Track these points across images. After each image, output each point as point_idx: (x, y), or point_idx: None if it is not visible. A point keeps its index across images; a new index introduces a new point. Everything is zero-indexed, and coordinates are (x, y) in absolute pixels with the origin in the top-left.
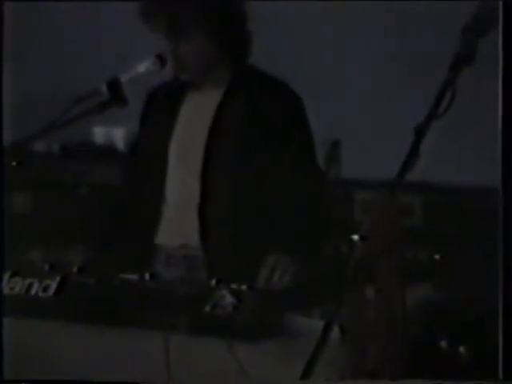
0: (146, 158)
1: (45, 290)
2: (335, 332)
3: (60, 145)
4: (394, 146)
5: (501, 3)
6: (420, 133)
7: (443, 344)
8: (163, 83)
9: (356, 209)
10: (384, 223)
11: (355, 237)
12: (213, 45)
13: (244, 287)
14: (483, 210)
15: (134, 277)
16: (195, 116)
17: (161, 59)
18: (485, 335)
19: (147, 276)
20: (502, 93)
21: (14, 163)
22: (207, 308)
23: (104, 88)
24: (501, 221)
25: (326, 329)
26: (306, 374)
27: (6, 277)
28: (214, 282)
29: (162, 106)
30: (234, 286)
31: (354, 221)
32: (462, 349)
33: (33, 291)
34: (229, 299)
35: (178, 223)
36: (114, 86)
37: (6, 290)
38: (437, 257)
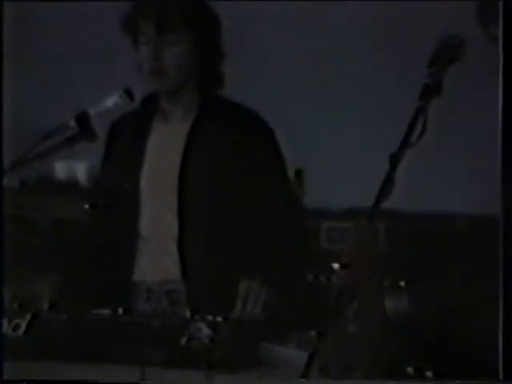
0: (115, 192)
1: (15, 329)
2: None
3: (20, 180)
4: (358, 175)
5: (501, 3)
6: (395, 161)
7: (409, 370)
8: (125, 115)
9: (322, 238)
10: (364, 251)
11: (335, 265)
12: (193, 58)
13: (220, 318)
14: (450, 236)
15: (107, 311)
16: (164, 149)
17: (129, 94)
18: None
19: (121, 310)
20: (503, 93)
21: None
22: (183, 340)
23: (73, 122)
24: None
25: (310, 360)
26: None
27: None
28: (188, 313)
29: (128, 139)
30: (209, 317)
31: (322, 250)
32: (428, 374)
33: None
34: (205, 331)
35: (157, 258)
36: (83, 120)
37: None
38: (402, 283)
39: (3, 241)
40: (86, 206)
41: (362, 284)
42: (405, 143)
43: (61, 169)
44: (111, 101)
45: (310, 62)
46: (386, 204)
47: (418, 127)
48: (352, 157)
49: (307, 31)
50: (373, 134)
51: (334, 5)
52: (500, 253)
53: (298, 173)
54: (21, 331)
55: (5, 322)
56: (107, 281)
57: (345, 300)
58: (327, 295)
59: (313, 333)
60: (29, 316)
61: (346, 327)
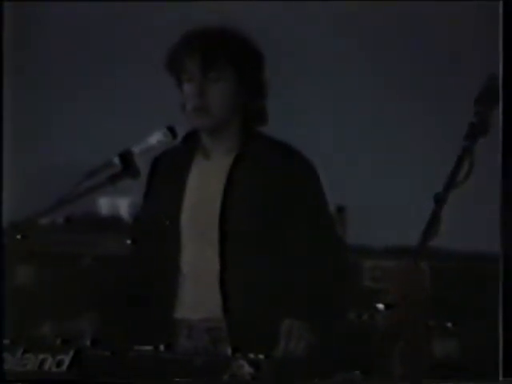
0: (156, 227)
1: (58, 365)
2: None
3: (64, 217)
4: (401, 213)
5: (501, 3)
6: (440, 200)
7: None
8: (166, 151)
9: (365, 276)
10: (409, 291)
11: (380, 305)
12: (236, 95)
13: (261, 356)
14: (492, 276)
15: (149, 348)
16: (205, 185)
17: (172, 131)
18: None
19: (162, 347)
20: (503, 94)
21: (18, 237)
22: (225, 378)
23: (117, 160)
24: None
25: None
26: None
27: (18, 354)
28: (229, 351)
29: (169, 174)
30: (251, 355)
31: (365, 289)
32: None
33: (46, 367)
34: (247, 369)
35: (198, 295)
36: (127, 157)
37: (18, 368)
38: (449, 325)
39: (4, 271)
40: (128, 242)
41: (407, 324)
42: (451, 183)
43: (104, 205)
44: (154, 138)
45: (354, 101)
46: (432, 243)
47: (465, 167)
48: (394, 195)
49: (352, 71)
50: (417, 172)
51: (372, 51)
52: None
53: (340, 210)
54: (64, 367)
55: (49, 358)
56: (148, 317)
57: (390, 340)
58: (371, 334)
59: (357, 372)
60: (72, 352)
61: (391, 368)
